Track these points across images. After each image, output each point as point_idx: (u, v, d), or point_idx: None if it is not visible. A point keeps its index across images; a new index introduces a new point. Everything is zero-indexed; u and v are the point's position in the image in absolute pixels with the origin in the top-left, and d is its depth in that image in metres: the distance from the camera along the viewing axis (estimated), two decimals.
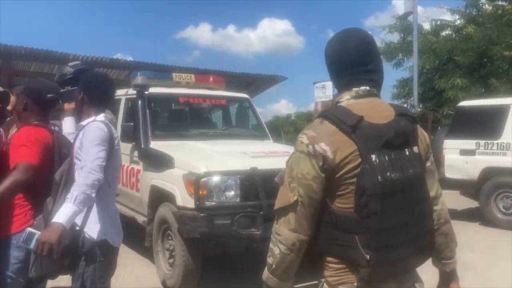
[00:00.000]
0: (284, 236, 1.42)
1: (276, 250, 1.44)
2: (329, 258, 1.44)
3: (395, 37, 16.60)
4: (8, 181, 2.22)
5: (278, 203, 1.45)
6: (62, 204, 2.15)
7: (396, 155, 1.38)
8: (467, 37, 14.44)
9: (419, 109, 13.97)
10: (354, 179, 1.35)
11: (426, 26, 16.28)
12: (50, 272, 2.33)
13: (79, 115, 2.60)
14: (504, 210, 7.27)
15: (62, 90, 2.89)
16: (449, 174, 7.67)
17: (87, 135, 2.31)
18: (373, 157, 1.34)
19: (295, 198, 1.40)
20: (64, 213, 2.07)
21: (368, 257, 1.33)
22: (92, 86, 2.50)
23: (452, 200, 9.17)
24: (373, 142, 1.36)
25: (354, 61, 1.50)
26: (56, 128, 2.75)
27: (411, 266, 1.48)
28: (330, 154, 1.37)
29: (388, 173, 1.35)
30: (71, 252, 2.25)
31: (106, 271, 2.43)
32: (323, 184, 1.39)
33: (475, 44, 13.92)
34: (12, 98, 2.81)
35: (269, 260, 1.48)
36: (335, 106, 1.53)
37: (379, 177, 1.33)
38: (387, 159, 1.36)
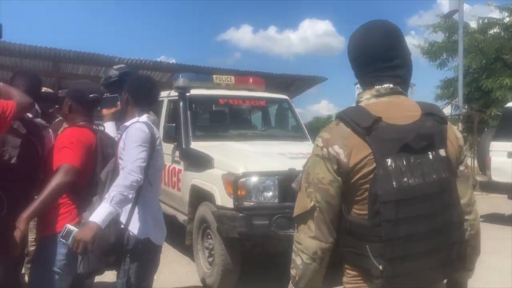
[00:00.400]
0: (305, 244, 1.36)
1: (298, 260, 1.37)
2: (346, 265, 1.39)
3: (439, 37, 16.17)
4: (51, 185, 2.29)
5: (296, 210, 1.39)
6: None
7: (416, 160, 1.28)
8: None
9: (464, 110, 13.53)
10: (369, 185, 1.28)
11: (473, 24, 15.77)
12: (97, 269, 2.41)
13: (123, 116, 2.69)
14: None
15: (103, 96, 2.97)
16: (496, 177, 7.40)
17: (129, 136, 2.39)
18: (389, 161, 1.26)
19: (312, 204, 1.33)
20: (100, 213, 2.17)
21: (381, 267, 1.25)
22: (136, 88, 2.59)
23: (499, 204, 8.84)
24: (389, 145, 1.27)
25: (377, 56, 1.41)
26: (101, 128, 2.85)
27: (435, 279, 1.37)
28: (343, 157, 1.30)
29: (405, 179, 1.26)
30: (116, 249, 2.35)
31: (149, 268, 2.51)
32: (340, 188, 1.32)
33: None
34: None
35: (292, 271, 1.41)
36: (353, 106, 1.44)
37: (394, 183, 1.25)
38: (405, 163, 1.27)
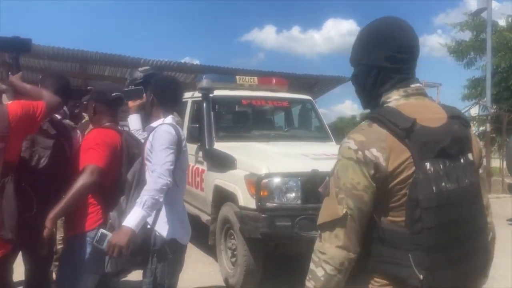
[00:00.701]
0: (330, 254, 1.28)
1: (319, 271, 1.29)
2: (375, 274, 1.32)
3: (466, 35, 15.82)
4: (76, 185, 2.35)
5: (323, 217, 1.31)
6: (134, 204, 2.30)
7: (450, 164, 1.25)
8: None
9: (492, 110, 13.21)
10: (407, 190, 1.23)
11: (502, 22, 15.37)
12: (124, 269, 2.47)
13: (148, 117, 2.73)
14: None
15: (125, 89, 3.03)
16: None
17: (156, 139, 2.43)
18: (427, 165, 1.21)
19: (344, 211, 1.26)
20: (133, 217, 2.23)
21: (421, 277, 1.20)
22: (161, 89, 2.63)
23: None
24: (428, 149, 1.23)
25: (414, 55, 1.36)
26: (126, 129, 2.90)
27: (468, 287, 1.32)
28: (382, 161, 1.23)
29: (443, 184, 1.22)
30: (143, 250, 2.40)
31: (175, 267, 2.55)
32: (374, 195, 1.25)
33: None
34: None
35: (309, 284, 1.32)
36: (382, 107, 1.37)
37: (434, 188, 1.21)
38: (441, 168, 1.23)
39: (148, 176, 2.43)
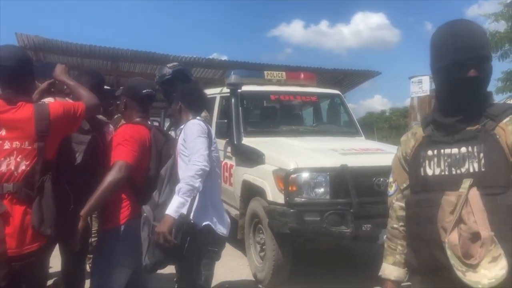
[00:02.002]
0: None
1: None
2: None
3: (501, 26, 15.28)
4: (105, 181, 2.39)
5: None
6: (167, 197, 2.43)
7: None
8: None
9: None
10: None
11: None
12: (160, 260, 2.49)
13: (178, 122, 2.86)
14: None
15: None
16: None
17: (187, 132, 2.57)
18: None
19: None
20: (172, 205, 2.37)
21: None
22: (187, 96, 2.82)
23: None
24: None
25: None
26: (155, 124, 2.95)
27: None
28: None
29: None
30: (178, 237, 2.44)
31: (210, 258, 2.60)
32: None
33: None
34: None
35: None
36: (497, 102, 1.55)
37: None
38: None
39: (182, 170, 2.54)
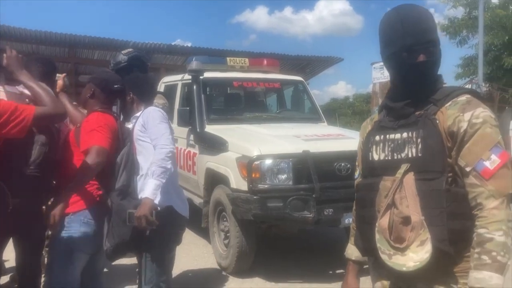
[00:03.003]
0: None
1: (509, 241, 1.32)
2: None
3: (459, 12, 15.71)
4: (83, 166, 2.39)
5: (509, 184, 1.37)
6: (123, 183, 2.51)
7: None
8: None
9: (485, 89, 13.23)
10: None
11: None
12: (122, 242, 2.47)
13: (130, 113, 2.88)
14: None
15: None
16: None
17: (148, 118, 2.60)
18: None
19: None
20: (148, 188, 2.41)
21: None
22: (139, 87, 2.84)
23: None
24: None
25: None
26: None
27: None
28: None
29: None
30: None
31: (171, 239, 2.62)
32: None
33: None
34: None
35: (503, 259, 1.30)
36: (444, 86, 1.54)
37: None
38: None
39: (142, 156, 2.60)
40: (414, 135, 1.46)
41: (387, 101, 1.59)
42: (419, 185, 1.41)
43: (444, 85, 1.55)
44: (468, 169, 1.38)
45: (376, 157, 1.57)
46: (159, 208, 2.46)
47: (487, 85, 14.22)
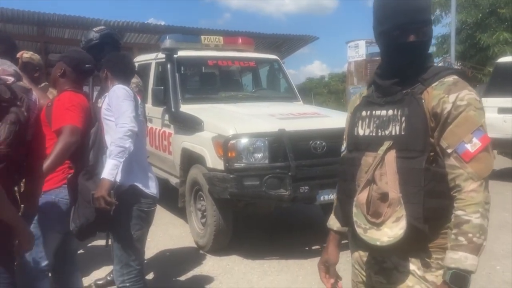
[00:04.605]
0: (490, 201, 1.39)
1: (486, 222, 1.35)
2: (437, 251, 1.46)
3: None
4: (58, 146, 2.36)
5: (490, 167, 1.40)
6: (91, 162, 2.47)
7: None
8: None
9: (456, 67, 13.47)
10: None
11: None
12: (87, 222, 2.44)
13: (105, 91, 2.81)
14: None
15: None
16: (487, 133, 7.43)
17: (112, 97, 2.53)
18: None
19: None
20: (106, 168, 2.36)
21: None
22: (114, 64, 2.76)
23: None
24: None
25: None
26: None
27: None
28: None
29: None
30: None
31: (140, 218, 2.57)
32: None
33: None
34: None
35: (479, 240, 1.34)
36: (435, 67, 1.52)
37: None
38: None
39: (109, 135, 2.54)
40: (399, 113, 1.46)
41: (376, 77, 1.59)
42: (400, 163, 1.42)
43: (433, 64, 1.54)
44: (449, 150, 1.39)
45: (361, 132, 1.57)
46: (121, 188, 2.45)
47: (459, 63, 14.49)
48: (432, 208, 1.39)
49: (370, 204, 1.44)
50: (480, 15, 14.40)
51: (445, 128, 1.39)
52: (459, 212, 1.35)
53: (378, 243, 1.41)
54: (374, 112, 1.54)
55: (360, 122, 1.58)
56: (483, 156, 1.37)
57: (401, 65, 1.49)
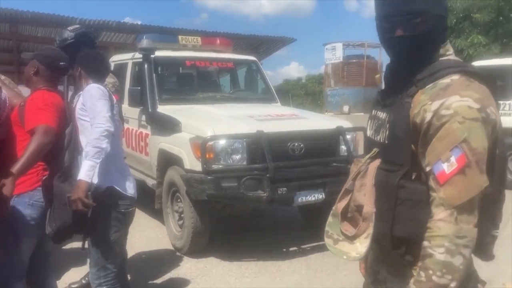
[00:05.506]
0: (471, 236, 1.13)
1: (458, 260, 1.12)
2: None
3: None
4: (31, 146, 2.30)
5: (464, 194, 1.13)
6: (66, 163, 2.42)
7: None
8: None
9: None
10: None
11: None
12: (63, 225, 2.39)
13: (79, 89, 2.74)
14: None
15: None
16: None
17: (87, 95, 2.47)
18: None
19: (487, 182, 1.15)
20: (82, 169, 2.31)
21: None
22: (88, 62, 2.71)
23: None
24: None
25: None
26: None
27: None
28: (499, 120, 1.18)
29: None
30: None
31: (118, 220, 2.53)
32: None
33: (493, 0, 13.51)
34: None
35: (440, 280, 1.12)
36: (441, 60, 1.28)
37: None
38: None
39: (84, 136, 2.49)
40: (387, 118, 1.31)
41: (385, 73, 1.43)
42: (378, 175, 1.29)
43: (441, 59, 1.30)
44: (428, 168, 1.19)
45: (368, 132, 1.45)
46: (99, 190, 2.41)
47: None
48: (406, 230, 1.23)
49: (347, 214, 1.37)
50: (455, 20, 14.70)
51: (428, 141, 1.19)
52: (425, 243, 1.16)
53: (345, 257, 1.35)
54: (377, 113, 1.41)
55: (369, 122, 1.47)
56: (458, 179, 1.13)
57: (394, 62, 1.35)
